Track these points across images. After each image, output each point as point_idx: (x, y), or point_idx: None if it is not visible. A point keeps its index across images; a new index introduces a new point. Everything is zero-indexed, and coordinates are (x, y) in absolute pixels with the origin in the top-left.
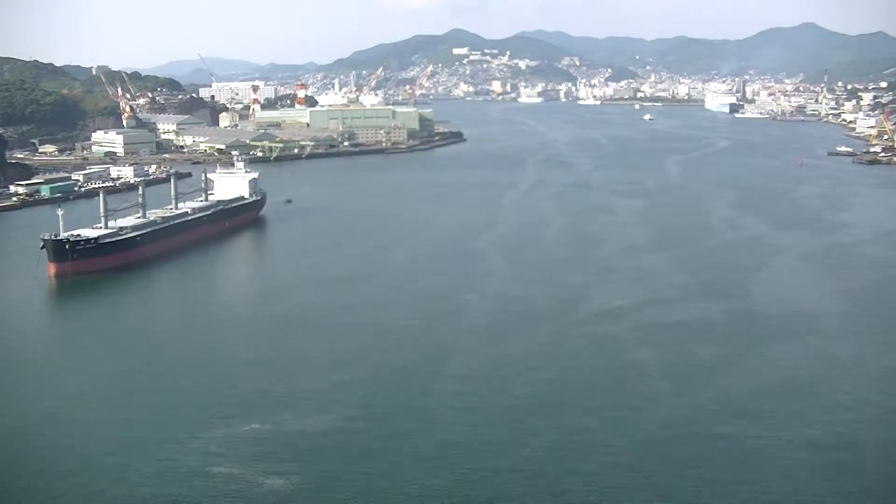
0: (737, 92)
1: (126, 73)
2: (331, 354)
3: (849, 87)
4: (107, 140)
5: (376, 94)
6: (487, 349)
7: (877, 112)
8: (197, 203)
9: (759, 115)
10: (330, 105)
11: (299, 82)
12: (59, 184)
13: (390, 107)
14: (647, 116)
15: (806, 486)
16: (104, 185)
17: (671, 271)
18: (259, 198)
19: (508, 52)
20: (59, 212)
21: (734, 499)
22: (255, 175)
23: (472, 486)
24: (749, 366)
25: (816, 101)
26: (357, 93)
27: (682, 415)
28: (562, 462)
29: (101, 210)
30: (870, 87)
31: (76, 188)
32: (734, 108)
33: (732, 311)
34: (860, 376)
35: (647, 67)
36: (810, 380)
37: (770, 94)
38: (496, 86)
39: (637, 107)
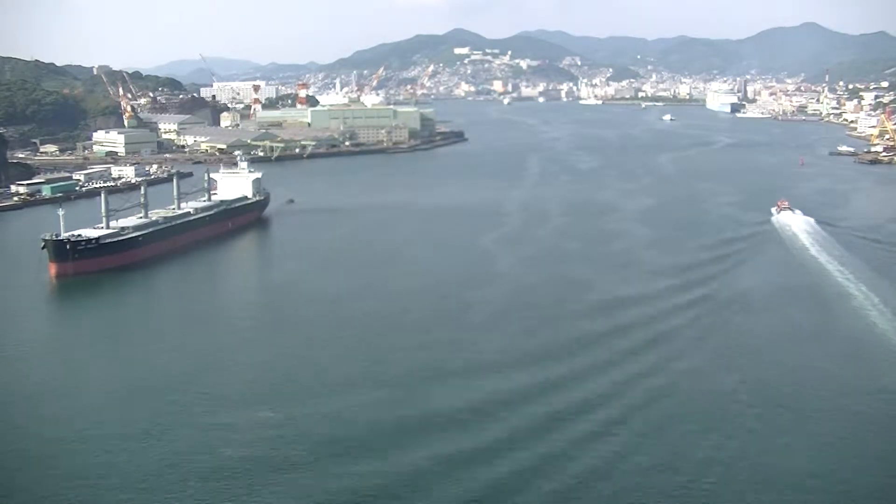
0: (738, 91)
1: (127, 72)
2: (346, 354)
3: (850, 86)
4: (108, 140)
5: (377, 94)
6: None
7: (878, 112)
8: (199, 203)
9: (760, 115)
10: (331, 105)
11: (300, 82)
12: (60, 183)
13: (391, 106)
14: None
15: None
16: (105, 184)
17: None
18: (262, 198)
19: (510, 52)
20: (60, 212)
21: None
22: (259, 175)
23: None
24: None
25: (818, 100)
26: (358, 92)
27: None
28: None
29: (103, 210)
30: (871, 87)
31: (77, 188)
32: (735, 108)
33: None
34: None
35: (649, 67)
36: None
37: (771, 94)
38: (497, 85)
39: (643, 106)
